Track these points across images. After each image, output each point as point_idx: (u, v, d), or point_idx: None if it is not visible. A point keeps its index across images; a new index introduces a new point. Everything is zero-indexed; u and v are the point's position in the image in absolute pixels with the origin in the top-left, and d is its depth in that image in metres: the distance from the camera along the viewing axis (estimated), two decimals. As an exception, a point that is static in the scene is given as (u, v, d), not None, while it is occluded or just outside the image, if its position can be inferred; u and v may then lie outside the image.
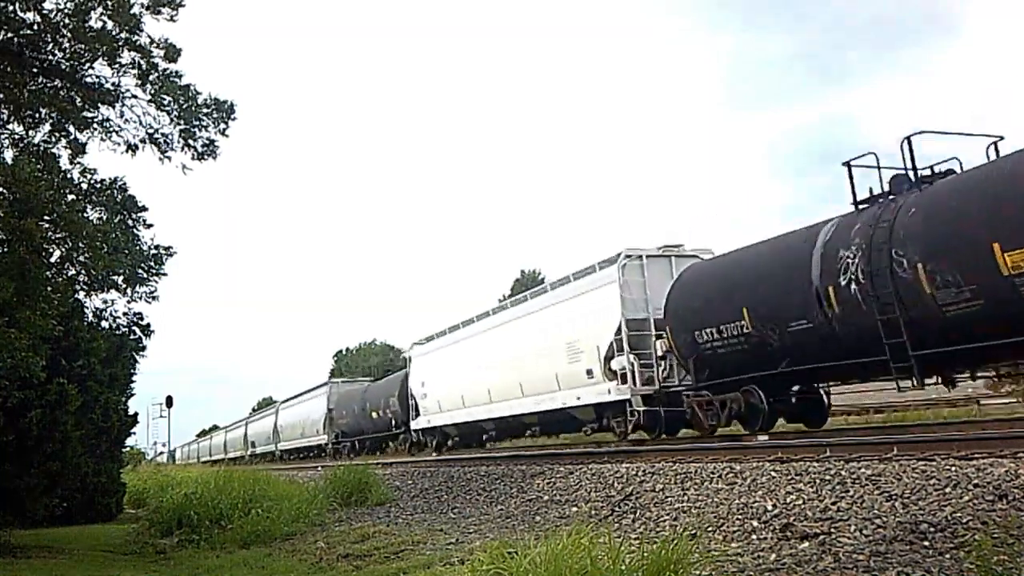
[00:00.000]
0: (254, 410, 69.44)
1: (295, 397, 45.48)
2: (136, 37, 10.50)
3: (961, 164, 10.38)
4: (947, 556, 4.96)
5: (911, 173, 10.56)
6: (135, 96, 10.93)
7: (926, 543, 5.26)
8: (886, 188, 10.74)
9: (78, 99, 10.80)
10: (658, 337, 14.97)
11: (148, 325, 15.78)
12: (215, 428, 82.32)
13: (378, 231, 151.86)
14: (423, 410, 25.89)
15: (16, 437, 12.77)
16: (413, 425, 26.50)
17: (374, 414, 30.76)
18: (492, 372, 21.06)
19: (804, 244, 11.57)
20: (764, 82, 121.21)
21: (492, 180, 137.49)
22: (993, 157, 9.99)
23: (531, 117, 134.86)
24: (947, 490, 6.07)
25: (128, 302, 12.18)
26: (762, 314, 12.11)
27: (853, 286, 10.48)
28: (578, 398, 16.99)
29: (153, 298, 11.75)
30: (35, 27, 10.28)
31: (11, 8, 10.09)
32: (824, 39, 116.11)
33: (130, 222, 11.65)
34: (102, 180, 11.50)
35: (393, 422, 28.95)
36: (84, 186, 11.40)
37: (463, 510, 11.03)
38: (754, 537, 6.39)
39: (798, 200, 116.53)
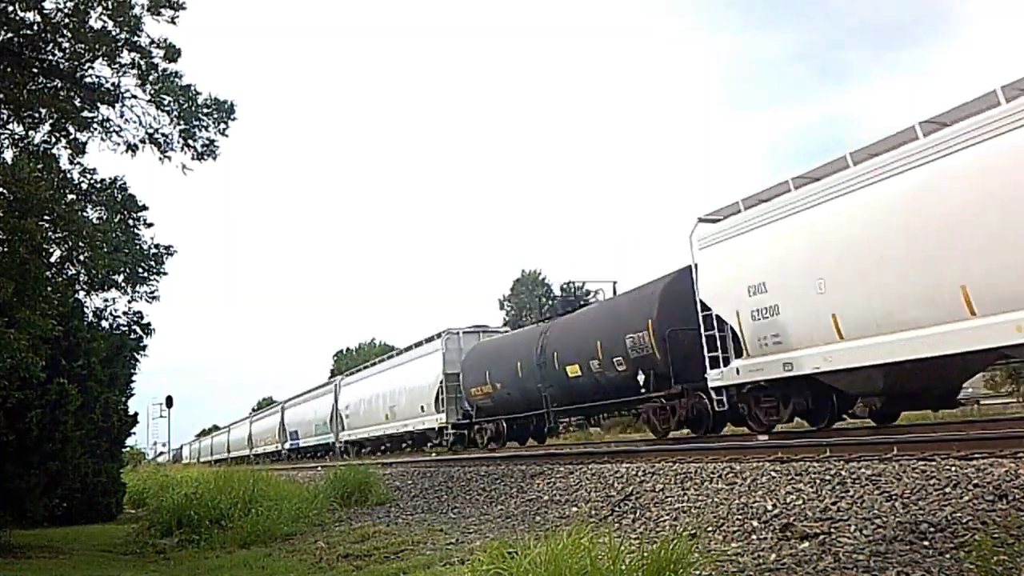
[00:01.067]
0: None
1: (365, 368, 34.51)
2: (136, 37, 10.51)
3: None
4: (947, 556, 4.96)
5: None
6: (135, 96, 10.94)
7: (926, 543, 5.26)
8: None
9: (78, 99, 10.80)
10: None
11: (148, 324, 15.78)
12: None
13: (378, 231, 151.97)
14: (756, 346, 12.39)
15: (16, 437, 12.76)
16: (716, 379, 13.01)
17: (574, 370, 17.02)
18: None
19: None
20: (764, 82, 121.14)
21: (493, 180, 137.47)
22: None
23: (532, 117, 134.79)
24: (947, 490, 6.06)
25: (128, 301, 12.21)
26: None
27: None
28: None
29: (153, 298, 11.77)
30: (35, 27, 10.28)
31: (11, 8, 10.09)
32: (824, 39, 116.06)
33: (130, 221, 11.66)
34: (102, 180, 11.51)
35: (643, 379, 14.94)
36: (84, 186, 11.40)
37: (463, 510, 11.02)
38: (754, 537, 6.39)
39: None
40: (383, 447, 29.49)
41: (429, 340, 26.18)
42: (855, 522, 5.98)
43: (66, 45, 10.45)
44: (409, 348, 28.60)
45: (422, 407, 25.17)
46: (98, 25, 10.29)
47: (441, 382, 23.95)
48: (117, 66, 10.65)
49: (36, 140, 11.33)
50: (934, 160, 9.78)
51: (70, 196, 11.08)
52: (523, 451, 18.20)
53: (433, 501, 12.36)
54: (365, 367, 34.50)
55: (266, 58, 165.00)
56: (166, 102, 10.85)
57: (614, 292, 19.00)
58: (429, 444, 24.99)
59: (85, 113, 10.97)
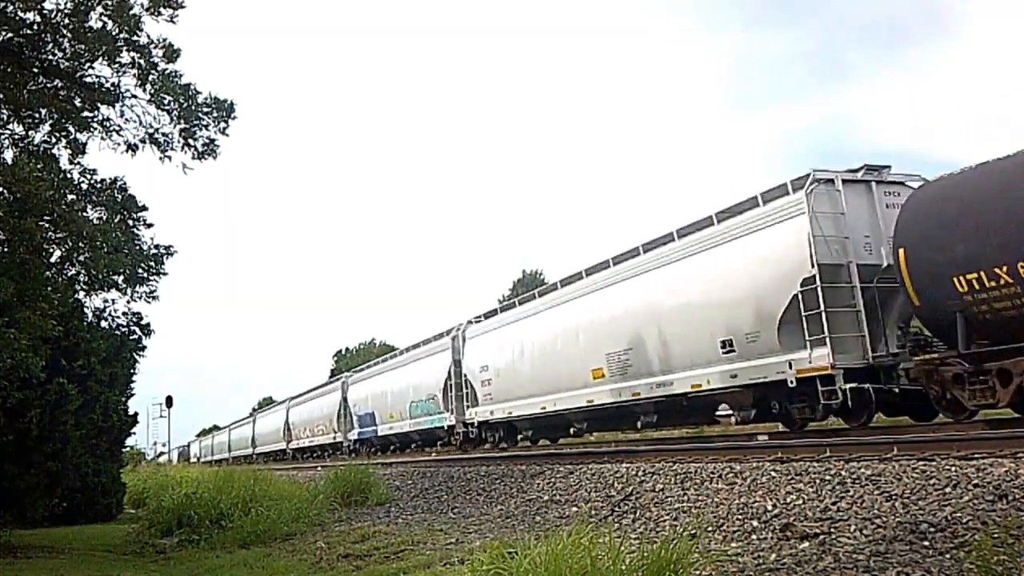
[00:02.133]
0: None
1: (512, 306, 19.98)
2: (136, 37, 10.51)
3: None
4: (947, 556, 4.95)
5: None
6: (135, 96, 10.95)
7: (926, 543, 5.26)
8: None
9: (78, 99, 10.80)
10: None
11: (148, 325, 15.84)
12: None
13: (378, 231, 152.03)
14: None
15: (16, 437, 12.77)
16: None
17: None
18: None
19: None
20: (764, 82, 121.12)
21: (493, 180, 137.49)
22: None
23: (532, 117, 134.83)
24: (947, 490, 6.06)
25: (128, 302, 12.20)
26: None
27: None
28: None
29: (153, 298, 11.76)
30: (35, 27, 10.29)
31: (11, 8, 10.09)
32: (824, 39, 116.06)
33: (130, 222, 11.65)
34: (102, 180, 11.52)
35: None
36: (84, 186, 11.40)
37: (463, 510, 11.02)
38: (754, 537, 6.39)
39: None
40: (577, 426, 16.70)
41: (744, 207, 12.68)
42: (855, 522, 5.97)
43: (66, 45, 10.45)
44: (665, 239, 14.29)
45: (748, 336, 12.08)
46: (98, 25, 10.30)
47: (811, 278, 11.13)
48: (117, 66, 10.67)
49: (36, 140, 11.35)
50: None
51: (70, 196, 11.08)
52: (523, 451, 18.09)
53: (433, 501, 12.36)
54: (512, 303, 19.95)
55: (266, 58, 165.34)
56: (166, 101, 10.86)
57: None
58: (732, 416, 12.92)
59: (85, 113, 10.98)
